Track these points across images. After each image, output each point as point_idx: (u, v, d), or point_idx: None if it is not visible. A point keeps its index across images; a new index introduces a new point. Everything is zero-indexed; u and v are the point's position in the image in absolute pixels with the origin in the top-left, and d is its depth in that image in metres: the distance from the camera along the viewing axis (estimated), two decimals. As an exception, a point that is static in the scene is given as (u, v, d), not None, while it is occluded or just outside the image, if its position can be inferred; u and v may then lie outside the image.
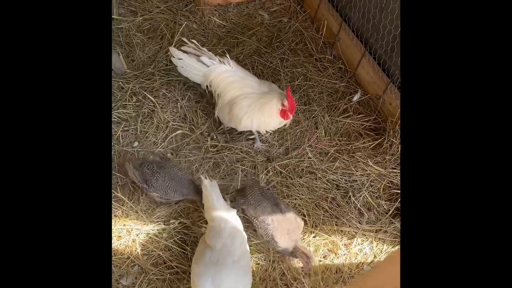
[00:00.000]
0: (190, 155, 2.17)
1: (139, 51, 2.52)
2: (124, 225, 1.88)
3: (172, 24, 2.65)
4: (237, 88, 2.04)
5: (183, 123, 2.29)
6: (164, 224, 1.90)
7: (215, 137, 2.25)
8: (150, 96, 2.31)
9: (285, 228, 1.79)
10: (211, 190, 1.67)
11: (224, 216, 1.63)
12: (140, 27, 2.61)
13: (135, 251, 1.82)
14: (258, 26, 2.74)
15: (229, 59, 2.10)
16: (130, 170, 1.90)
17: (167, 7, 2.72)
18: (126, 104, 2.27)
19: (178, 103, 2.34)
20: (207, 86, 2.16)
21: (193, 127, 2.28)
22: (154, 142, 2.19)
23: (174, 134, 2.21)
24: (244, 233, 1.68)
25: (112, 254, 1.79)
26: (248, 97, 2.01)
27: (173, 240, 1.86)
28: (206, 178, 1.72)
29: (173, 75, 2.44)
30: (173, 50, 2.13)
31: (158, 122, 2.25)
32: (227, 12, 2.79)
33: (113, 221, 1.89)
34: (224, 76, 2.07)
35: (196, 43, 2.14)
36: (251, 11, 2.82)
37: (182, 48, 2.15)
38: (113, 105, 2.25)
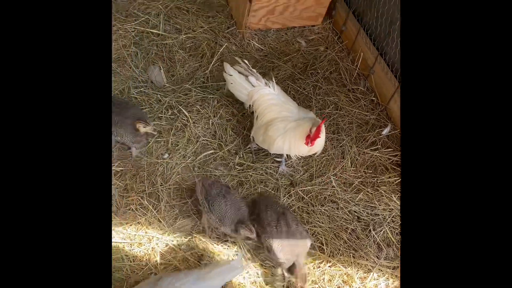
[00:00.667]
0: (216, 170, 2.25)
1: (180, 67, 2.66)
2: (146, 232, 1.97)
3: (213, 44, 2.79)
4: (276, 111, 2.12)
5: (212, 139, 2.38)
6: (184, 237, 1.97)
7: (242, 155, 2.32)
8: (184, 111, 2.43)
9: (289, 241, 1.81)
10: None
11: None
12: (183, 45, 2.76)
13: (154, 259, 1.89)
14: (294, 52, 2.82)
15: (274, 83, 2.19)
16: (199, 187, 1.97)
17: (210, 28, 2.87)
18: (161, 116, 2.39)
19: (210, 120, 2.44)
20: (249, 105, 2.26)
21: (221, 143, 2.36)
22: (183, 155, 2.28)
23: (205, 153, 2.30)
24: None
25: (131, 260, 1.87)
26: (285, 120, 2.07)
27: (191, 253, 1.92)
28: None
29: (208, 93, 2.55)
30: (226, 65, 2.25)
31: (189, 136, 2.35)
32: (266, 37, 2.91)
33: (135, 227, 1.98)
34: (267, 98, 2.16)
35: (247, 63, 2.25)
36: (289, 38, 2.92)
37: (234, 66, 2.27)
38: (149, 116, 2.38)
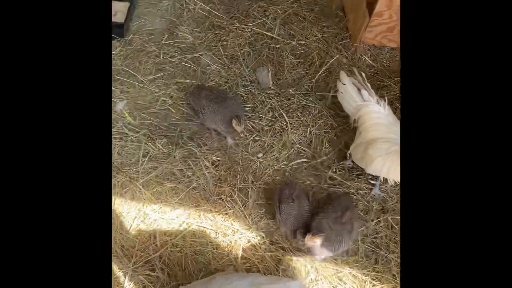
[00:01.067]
0: (306, 180, 2.24)
1: (287, 72, 2.71)
2: (232, 224, 2.04)
3: (323, 54, 2.79)
4: (381, 130, 2.04)
5: (307, 148, 2.37)
6: (266, 238, 2.00)
7: (335, 170, 2.28)
8: (285, 115, 2.46)
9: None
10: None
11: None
12: (293, 50, 2.81)
13: (235, 252, 1.94)
14: (408, 74, 2.69)
15: (386, 102, 2.13)
16: (277, 192, 2.03)
17: (323, 37, 2.87)
18: (262, 117, 2.46)
19: (308, 129, 2.44)
20: (354, 119, 2.21)
21: (315, 155, 2.34)
22: (276, 158, 2.32)
23: (298, 161, 2.31)
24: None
25: (215, 248, 1.95)
26: (390, 142, 1.98)
27: (270, 255, 1.94)
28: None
29: (310, 101, 2.55)
30: (342, 74, 2.25)
31: (285, 141, 2.38)
32: (380, 54, 2.82)
33: (223, 217, 2.06)
34: (375, 115, 2.10)
35: (364, 76, 2.21)
36: (404, 58, 2.79)
37: (350, 77, 2.26)
38: (250, 115, 2.47)
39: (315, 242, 1.76)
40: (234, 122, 2.16)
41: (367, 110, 2.11)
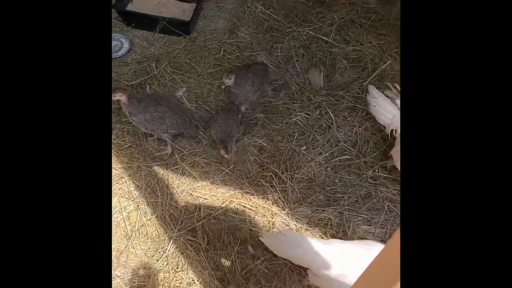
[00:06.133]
0: (347, 176, 2.39)
1: (338, 75, 2.90)
2: (271, 207, 2.24)
3: (377, 60, 2.95)
4: None
5: (352, 147, 2.52)
6: (304, 223, 2.17)
7: (377, 170, 2.40)
8: (331, 114, 2.65)
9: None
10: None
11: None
12: (347, 55, 3.00)
13: (271, 232, 2.14)
14: (463, 84, 2.76)
15: None
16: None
17: (378, 44, 3.04)
18: (309, 113, 2.67)
19: (354, 128, 2.60)
20: (392, 130, 2.31)
21: (360, 154, 2.49)
22: (319, 152, 2.50)
23: (341, 157, 2.47)
24: None
25: (252, 226, 2.16)
26: None
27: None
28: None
29: (359, 103, 2.71)
30: (371, 88, 2.39)
31: (330, 138, 2.55)
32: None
33: (263, 201, 2.27)
34: None
35: (398, 87, 2.36)
36: (461, 69, 2.86)
37: (385, 92, 2.40)
38: (298, 110, 2.68)
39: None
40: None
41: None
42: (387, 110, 2.31)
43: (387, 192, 2.31)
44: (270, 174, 2.37)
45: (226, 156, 2.30)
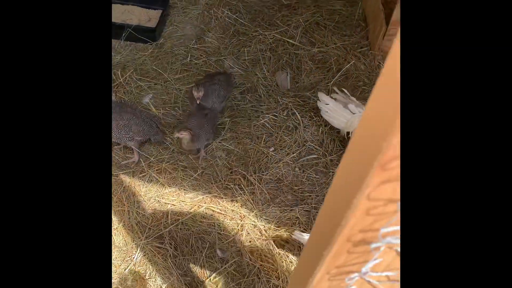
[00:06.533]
0: (315, 175, 2.42)
1: (305, 76, 2.95)
2: (239, 210, 2.25)
3: (341, 61, 3.01)
4: None
5: (319, 146, 2.56)
6: (273, 223, 2.19)
7: (343, 168, 2.44)
8: (297, 114, 2.68)
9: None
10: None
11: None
12: (313, 57, 3.05)
13: (239, 234, 2.15)
14: (425, 81, 2.84)
15: None
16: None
17: (343, 45, 3.10)
18: (277, 115, 2.70)
19: (320, 128, 2.64)
20: (347, 132, 2.38)
21: (326, 153, 2.53)
22: (287, 153, 2.52)
23: (308, 157, 2.51)
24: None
25: (220, 230, 2.16)
26: None
27: (274, 240, 2.12)
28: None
29: (326, 104, 2.76)
30: (321, 95, 2.44)
31: (297, 138, 2.59)
32: (397, 61, 2.99)
33: (231, 204, 2.28)
34: None
35: (347, 92, 2.41)
36: (422, 66, 2.95)
37: (332, 95, 2.46)
38: (266, 112, 2.71)
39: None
40: (194, 90, 2.42)
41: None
42: (340, 115, 2.37)
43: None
44: (239, 177, 2.39)
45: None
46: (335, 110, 2.39)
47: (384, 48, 3.01)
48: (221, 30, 3.25)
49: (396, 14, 2.80)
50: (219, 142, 2.55)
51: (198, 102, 2.42)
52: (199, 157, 2.44)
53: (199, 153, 2.46)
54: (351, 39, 3.16)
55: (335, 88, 2.53)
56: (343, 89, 2.44)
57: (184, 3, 3.43)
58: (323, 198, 2.30)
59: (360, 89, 2.85)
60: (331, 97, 2.44)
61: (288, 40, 3.14)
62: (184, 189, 2.33)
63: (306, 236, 2.00)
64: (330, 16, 3.32)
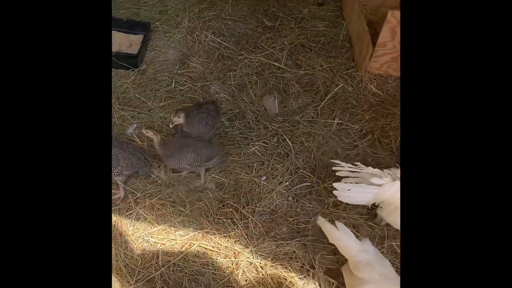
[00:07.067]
0: (309, 204, 2.35)
1: (293, 100, 2.89)
2: (233, 246, 2.15)
3: (329, 83, 2.98)
4: None
5: (311, 173, 2.50)
6: (269, 260, 2.09)
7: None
8: (288, 140, 2.62)
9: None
10: (345, 233, 1.90)
11: (363, 248, 1.85)
12: (300, 80, 3.01)
13: (235, 273, 2.04)
14: (413, 102, 2.83)
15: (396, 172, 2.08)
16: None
17: (329, 67, 3.07)
18: (267, 142, 2.62)
19: (312, 154, 2.58)
20: (375, 203, 2.17)
21: (319, 180, 2.46)
22: (280, 182, 2.45)
23: (301, 185, 2.43)
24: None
25: (214, 270, 2.05)
26: None
27: (271, 278, 2.02)
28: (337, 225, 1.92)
29: (315, 128, 2.71)
30: (338, 185, 2.14)
31: (289, 165, 2.52)
32: (385, 83, 2.98)
33: (224, 239, 2.18)
34: (397, 190, 2.02)
35: (359, 163, 2.19)
36: (410, 87, 2.94)
37: (337, 171, 2.21)
38: (255, 139, 2.63)
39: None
40: (172, 115, 2.36)
41: (392, 191, 2.05)
42: (365, 193, 2.12)
43: (349, 217, 2.29)
44: (231, 210, 2.29)
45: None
46: (359, 192, 2.12)
47: (370, 70, 3.00)
48: (205, 54, 3.17)
49: (382, 36, 2.80)
50: (208, 174, 2.45)
51: (171, 126, 2.39)
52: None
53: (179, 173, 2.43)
54: (337, 60, 3.14)
55: (339, 162, 2.25)
56: (357, 163, 2.20)
57: (166, 27, 3.35)
58: (319, 229, 2.22)
59: (349, 111, 2.82)
60: (346, 181, 2.19)
61: (273, 63, 3.09)
62: (174, 226, 2.22)
63: (328, 226, 1.96)
64: (315, 37, 3.30)
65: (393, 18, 2.72)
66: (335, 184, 2.16)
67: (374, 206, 2.22)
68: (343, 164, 2.22)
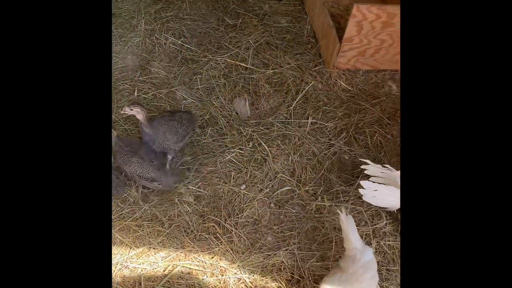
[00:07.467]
0: (292, 210, 2.29)
1: (264, 101, 2.81)
2: (219, 262, 2.04)
3: (298, 81, 2.91)
4: None
5: (291, 177, 2.44)
6: (258, 274, 2.01)
7: (320, 198, 2.34)
8: (264, 145, 2.54)
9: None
10: (347, 224, 1.82)
11: (361, 249, 1.80)
12: (269, 79, 2.92)
13: (224, 292, 1.95)
14: (384, 96, 2.84)
15: None
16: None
17: (297, 65, 3.01)
18: (243, 148, 2.53)
19: (290, 157, 2.51)
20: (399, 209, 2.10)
21: (299, 183, 2.41)
22: (260, 189, 2.36)
23: (282, 189, 2.37)
24: (376, 273, 1.81)
25: (198, 285, 1.95)
26: None
27: (261, 292, 1.95)
28: (343, 212, 1.83)
29: (289, 129, 2.65)
30: (364, 183, 2.07)
31: (268, 171, 2.44)
32: (354, 77, 2.97)
33: (209, 256, 2.07)
34: None
35: (389, 166, 2.12)
36: (379, 80, 2.95)
37: (366, 171, 2.15)
38: (230, 146, 2.53)
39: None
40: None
41: None
42: (392, 196, 2.06)
43: (334, 220, 2.25)
44: (212, 224, 2.18)
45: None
46: (387, 194, 2.06)
47: (338, 65, 2.97)
48: (167, 58, 3.00)
49: (349, 31, 2.77)
50: (185, 186, 2.32)
51: (121, 112, 2.23)
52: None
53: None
54: (304, 57, 3.09)
55: (368, 161, 2.18)
56: (386, 165, 2.13)
57: (121, 31, 3.13)
58: (305, 235, 2.18)
59: (322, 109, 2.78)
60: (373, 180, 2.13)
61: (240, 63, 2.98)
62: (154, 248, 2.08)
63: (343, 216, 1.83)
64: (279, 34, 3.22)
65: (358, 12, 2.69)
66: (362, 182, 2.08)
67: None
68: (371, 164, 2.15)
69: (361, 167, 2.21)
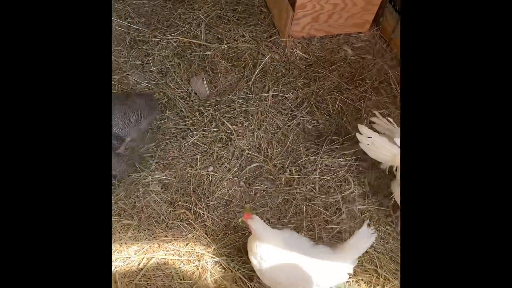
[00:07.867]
0: (262, 186, 2.28)
1: (222, 77, 2.72)
2: (194, 248, 2.01)
3: (255, 54, 2.84)
4: None
5: (257, 153, 2.41)
6: (235, 254, 2.01)
7: (288, 171, 2.34)
8: (228, 123, 2.48)
9: None
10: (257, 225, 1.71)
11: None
12: (224, 55, 2.82)
13: (203, 277, 1.93)
14: (340, 61, 2.83)
15: None
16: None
17: (252, 37, 2.92)
18: (206, 129, 2.45)
19: (255, 133, 2.48)
20: (391, 166, 2.07)
21: (267, 159, 2.39)
22: (228, 169, 2.33)
23: (249, 167, 2.34)
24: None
25: (181, 278, 1.92)
26: None
27: (241, 273, 1.95)
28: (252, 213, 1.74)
29: (251, 104, 2.59)
30: (361, 127, 2.06)
31: (234, 150, 2.39)
32: (310, 45, 2.93)
33: (183, 243, 2.03)
34: None
35: (392, 120, 2.13)
36: (334, 46, 2.93)
37: (374, 125, 2.16)
38: (193, 128, 2.45)
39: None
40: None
41: None
42: (385, 149, 2.02)
43: (303, 191, 2.27)
44: (183, 211, 2.13)
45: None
46: (381, 145, 2.02)
47: (293, 34, 2.91)
48: (114, 41, 2.81)
49: (300, -3, 2.69)
50: (149, 174, 2.23)
51: None
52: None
53: None
54: (257, 28, 2.99)
55: (376, 113, 2.19)
56: (389, 119, 2.11)
57: (60, 15, 2.88)
58: (278, 209, 2.18)
59: (281, 80, 2.73)
60: (373, 129, 2.10)
61: (193, 41, 2.85)
62: (125, 243, 2.01)
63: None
64: (230, 6, 3.10)
65: (309, -22, 2.62)
66: (359, 126, 2.06)
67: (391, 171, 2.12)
68: (380, 117, 2.16)
69: (370, 119, 2.23)
